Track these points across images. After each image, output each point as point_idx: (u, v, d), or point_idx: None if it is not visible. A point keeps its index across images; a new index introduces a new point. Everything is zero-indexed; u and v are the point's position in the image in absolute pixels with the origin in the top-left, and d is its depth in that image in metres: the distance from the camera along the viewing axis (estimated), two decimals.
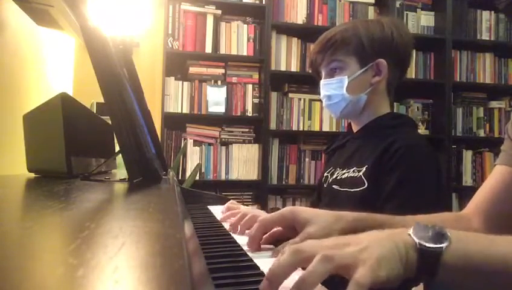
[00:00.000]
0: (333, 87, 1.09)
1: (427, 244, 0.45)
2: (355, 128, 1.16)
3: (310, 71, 1.20)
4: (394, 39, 1.08)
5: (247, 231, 0.78)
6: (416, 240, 0.45)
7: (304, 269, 0.44)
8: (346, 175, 1.06)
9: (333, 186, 1.09)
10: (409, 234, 0.46)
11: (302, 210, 0.69)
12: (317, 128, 2.89)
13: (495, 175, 0.83)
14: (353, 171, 1.03)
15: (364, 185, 0.98)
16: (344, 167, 1.08)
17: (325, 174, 1.16)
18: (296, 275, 0.43)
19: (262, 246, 0.69)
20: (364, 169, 1.00)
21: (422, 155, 1.00)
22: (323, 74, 1.13)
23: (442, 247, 0.45)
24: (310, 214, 0.68)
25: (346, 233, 0.53)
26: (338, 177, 1.08)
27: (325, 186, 1.15)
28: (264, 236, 0.70)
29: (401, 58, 1.11)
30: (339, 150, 1.19)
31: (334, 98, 1.10)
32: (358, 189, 0.99)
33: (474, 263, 0.45)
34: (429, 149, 1.03)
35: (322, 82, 1.13)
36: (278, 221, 0.69)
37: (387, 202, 0.93)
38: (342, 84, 1.08)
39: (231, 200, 1.16)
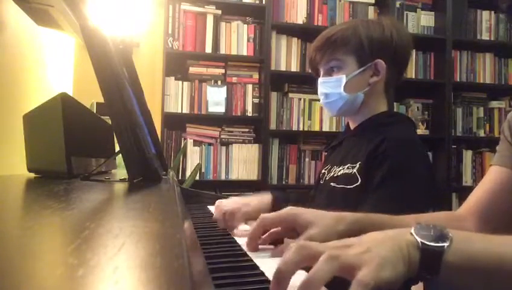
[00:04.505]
0: (331, 86, 1.11)
1: (430, 243, 0.46)
2: (352, 127, 1.17)
3: (309, 69, 1.21)
4: (394, 40, 1.08)
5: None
6: (419, 239, 0.46)
7: (307, 270, 0.44)
8: (341, 172, 1.06)
9: (331, 183, 1.09)
10: (411, 233, 0.47)
11: (303, 212, 0.69)
12: (317, 129, 2.89)
13: (490, 176, 0.83)
14: (347, 168, 1.04)
15: (358, 181, 0.99)
16: (340, 164, 1.09)
17: (322, 171, 1.18)
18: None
19: (261, 246, 0.69)
20: (358, 165, 1.01)
21: (409, 150, 1.00)
22: (321, 71, 1.14)
23: (444, 246, 0.46)
24: (311, 216, 0.68)
25: (347, 234, 0.53)
26: (335, 175, 1.09)
27: (321, 182, 1.16)
28: (263, 237, 0.70)
29: (400, 60, 1.12)
30: (336, 148, 1.20)
31: (331, 96, 1.11)
32: (353, 185, 1.00)
33: (475, 262, 0.46)
34: (418, 145, 1.03)
35: (320, 80, 1.14)
36: (278, 222, 0.69)
37: (372, 194, 0.94)
38: (339, 82, 1.09)
39: (218, 200, 1.14)
